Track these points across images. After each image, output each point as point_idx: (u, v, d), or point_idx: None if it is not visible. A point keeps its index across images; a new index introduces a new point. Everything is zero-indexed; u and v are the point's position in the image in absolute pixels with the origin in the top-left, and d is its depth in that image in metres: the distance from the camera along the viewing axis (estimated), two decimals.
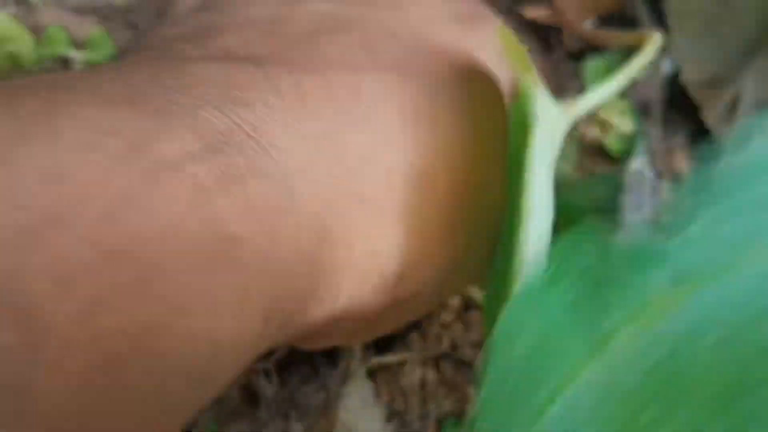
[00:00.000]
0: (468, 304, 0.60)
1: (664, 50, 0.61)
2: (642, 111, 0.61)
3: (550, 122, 0.30)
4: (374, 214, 0.30)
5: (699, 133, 0.61)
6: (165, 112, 0.25)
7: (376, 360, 0.62)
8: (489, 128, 0.36)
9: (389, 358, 0.61)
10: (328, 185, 0.29)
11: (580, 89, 0.65)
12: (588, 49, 0.66)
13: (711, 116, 0.60)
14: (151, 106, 0.25)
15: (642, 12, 0.62)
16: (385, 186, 0.31)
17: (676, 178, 0.61)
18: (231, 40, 0.32)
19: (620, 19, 0.65)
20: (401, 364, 0.61)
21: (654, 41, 0.42)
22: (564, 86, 0.70)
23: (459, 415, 0.60)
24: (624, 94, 0.60)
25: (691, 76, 0.60)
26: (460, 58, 0.35)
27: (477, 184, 0.35)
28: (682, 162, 0.60)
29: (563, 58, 0.67)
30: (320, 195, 0.29)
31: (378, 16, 0.35)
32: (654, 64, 0.60)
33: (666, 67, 0.60)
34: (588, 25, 0.63)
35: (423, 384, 0.61)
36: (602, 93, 0.38)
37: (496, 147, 0.35)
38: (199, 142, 0.24)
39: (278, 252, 0.27)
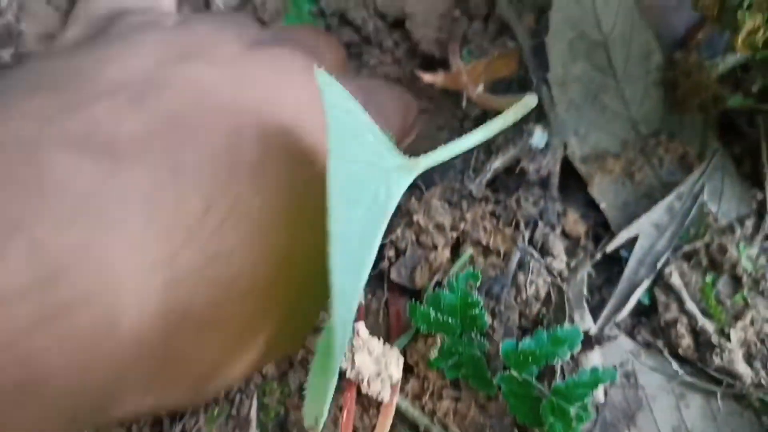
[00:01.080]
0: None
1: (548, 125, 0.62)
2: (540, 183, 0.61)
3: (381, 184, 0.30)
4: (193, 326, 0.30)
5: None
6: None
7: None
8: (302, 204, 0.36)
9: None
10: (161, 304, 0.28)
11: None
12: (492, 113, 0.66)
13: (596, 188, 0.61)
14: None
15: (537, 77, 0.63)
16: (208, 302, 0.30)
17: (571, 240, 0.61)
18: (78, 126, 0.29)
19: (522, 84, 0.66)
20: None
21: (524, 105, 0.42)
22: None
23: None
24: None
25: (575, 150, 0.61)
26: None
27: (291, 267, 0.35)
28: (576, 224, 0.60)
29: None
30: (145, 312, 0.28)
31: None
32: (551, 144, 0.61)
33: (538, 140, 0.60)
34: (479, 90, 0.63)
35: None
36: (450, 150, 0.38)
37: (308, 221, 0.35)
38: (31, 273, 0.24)
39: (89, 374, 0.27)
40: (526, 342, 0.50)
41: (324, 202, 0.29)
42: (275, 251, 0.33)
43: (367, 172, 0.28)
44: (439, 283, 0.55)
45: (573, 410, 0.49)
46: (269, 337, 0.36)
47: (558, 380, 0.51)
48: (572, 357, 0.55)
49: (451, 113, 0.71)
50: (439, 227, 0.57)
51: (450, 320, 0.51)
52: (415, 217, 0.58)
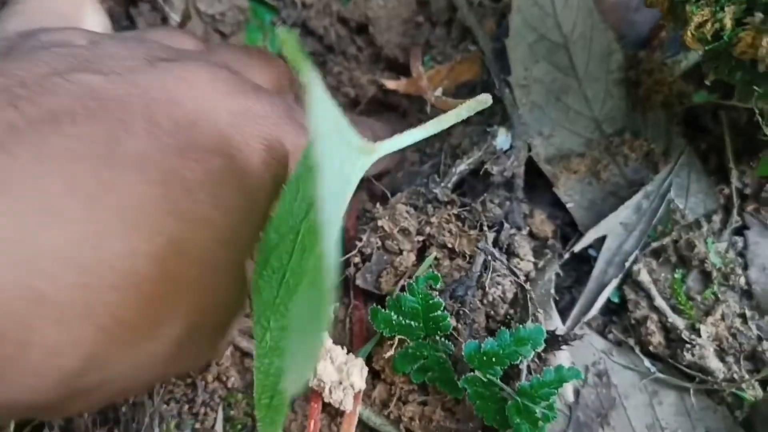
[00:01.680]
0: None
1: (512, 127, 0.62)
2: (505, 185, 0.61)
3: (345, 161, 0.30)
4: (57, 315, 0.30)
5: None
6: None
7: None
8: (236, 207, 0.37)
9: None
10: (10, 286, 0.28)
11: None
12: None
13: (561, 188, 0.61)
14: None
15: (499, 80, 0.63)
16: (74, 286, 0.30)
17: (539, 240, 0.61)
18: None
19: (485, 88, 0.66)
20: None
21: (478, 101, 0.42)
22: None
23: None
24: None
25: (539, 151, 0.61)
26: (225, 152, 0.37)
27: (197, 272, 0.35)
28: (543, 224, 0.60)
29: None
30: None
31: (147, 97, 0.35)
32: (515, 146, 0.61)
33: (502, 142, 0.60)
34: (437, 93, 0.63)
35: None
36: (404, 139, 0.38)
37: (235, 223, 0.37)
38: None
39: None
40: (489, 342, 0.50)
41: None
42: (160, 242, 0.33)
43: (337, 147, 0.28)
44: (404, 288, 0.55)
45: (539, 410, 0.48)
46: (175, 341, 0.35)
47: (524, 380, 0.51)
48: (540, 357, 0.55)
49: (417, 118, 0.72)
50: (405, 232, 0.57)
51: (412, 323, 0.51)
52: (380, 222, 0.57)
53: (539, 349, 0.50)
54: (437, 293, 0.51)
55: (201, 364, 0.54)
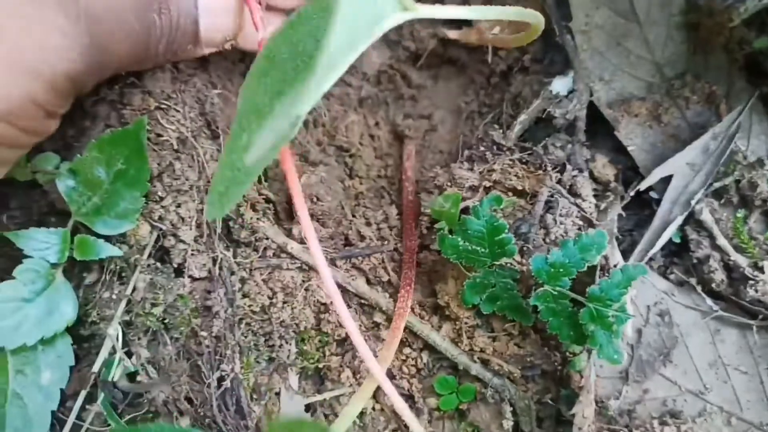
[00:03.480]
0: (402, 341, 0.59)
1: (573, 72, 0.63)
2: (567, 129, 0.62)
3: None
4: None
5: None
6: None
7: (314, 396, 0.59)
8: None
9: (325, 394, 0.59)
10: None
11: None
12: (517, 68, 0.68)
13: (623, 131, 0.62)
14: None
15: (559, 27, 0.63)
16: None
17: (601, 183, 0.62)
18: None
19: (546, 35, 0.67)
20: (336, 398, 0.59)
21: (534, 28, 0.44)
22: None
23: None
24: None
25: (600, 96, 0.62)
26: None
27: None
28: (605, 167, 0.61)
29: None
30: None
31: None
32: (577, 90, 0.62)
33: (563, 88, 0.61)
34: (495, 30, 0.65)
35: (362, 414, 0.58)
36: (452, 11, 0.41)
37: None
38: None
39: None
40: (555, 254, 0.51)
41: None
42: None
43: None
44: (466, 210, 0.56)
45: (611, 313, 0.50)
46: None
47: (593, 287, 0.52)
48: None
49: (478, 70, 0.73)
50: (472, 189, 0.59)
51: (479, 249, 0.52)
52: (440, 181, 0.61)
53: (604, 252, 0.51)
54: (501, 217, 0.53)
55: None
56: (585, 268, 0.51)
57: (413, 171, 0.70)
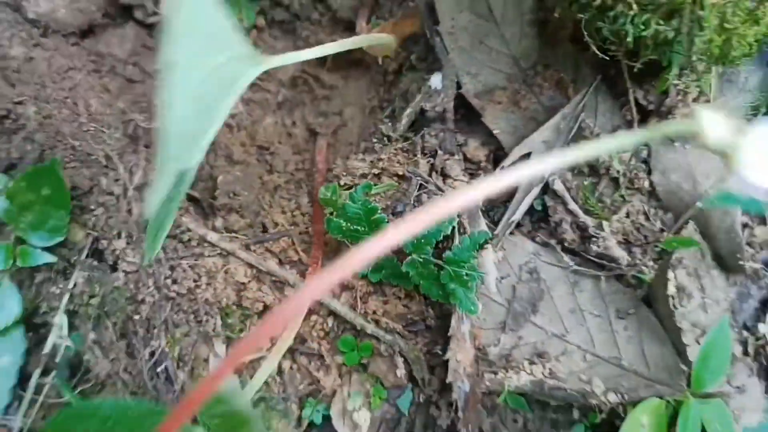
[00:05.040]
0: (310, 310, 0.69)
1: (444, 69, 0.73)
2: (439, 119, 0.72)
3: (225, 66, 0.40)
4: None
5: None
6: None
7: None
8: None
9: (248, 357, 0.69)
10: None
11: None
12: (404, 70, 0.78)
13: (489, 117, 0.72)
14: None
15: (430, 30, 0.73)
16: None
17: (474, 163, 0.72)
18: None
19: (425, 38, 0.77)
20: (261, 358, 0.70)
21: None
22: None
23: (315, 396, 0.69)
24: None
25: (468, 88, 0.72)
26: None
27: None
28: (477, 150, 0.71)
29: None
30: None
31: None
32: (446, 83, 0.72)
33: (436, 83, 0.71)
34: (362, 25, 0.76)
35: (281, 372, 0.69)
36: (305, 54, 0.50)
37: None
38: None
39: None
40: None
41: None
42: None
43: (209, 45, 0.35)
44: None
45: (465, 273, 0.61)
46: None
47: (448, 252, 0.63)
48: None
49: (377, 70, 0.83)
50: (363, 176, 0.70)
51: (359, 228, 0.63)
52: (336, 172, 0.71)
53: (455, 223, 0.62)
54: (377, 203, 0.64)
55: None
56: (441, 238, 0.62)
57: (324, 163, 0.80)
